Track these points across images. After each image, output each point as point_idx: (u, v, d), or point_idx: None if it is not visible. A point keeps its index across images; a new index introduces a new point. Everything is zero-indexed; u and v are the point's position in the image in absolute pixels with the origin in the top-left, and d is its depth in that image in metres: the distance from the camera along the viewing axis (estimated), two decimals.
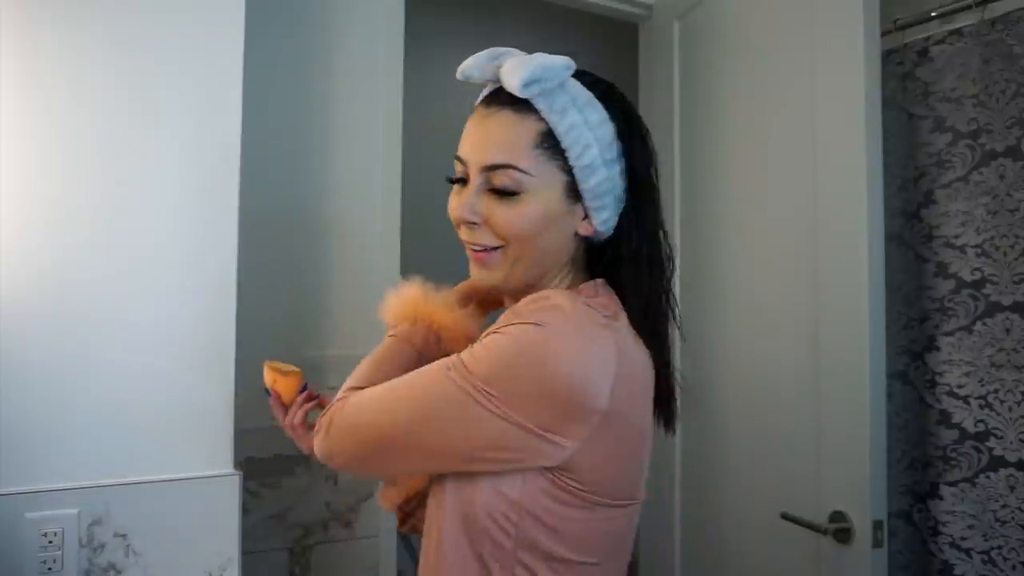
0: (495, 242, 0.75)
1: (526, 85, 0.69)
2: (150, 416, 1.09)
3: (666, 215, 1.94)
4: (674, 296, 0.83)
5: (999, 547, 1.43)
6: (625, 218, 0.78)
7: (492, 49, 0.75)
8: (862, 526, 1.24)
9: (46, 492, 1.02)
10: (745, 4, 1.61)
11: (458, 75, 0.77)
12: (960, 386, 1.52)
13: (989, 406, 1.47)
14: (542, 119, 0.72)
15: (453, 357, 0.71)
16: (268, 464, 1.47)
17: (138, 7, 1.11)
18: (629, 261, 0.78)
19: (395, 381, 0.74)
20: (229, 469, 1.14)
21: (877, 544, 1.23)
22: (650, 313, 0.78)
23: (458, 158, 0.77)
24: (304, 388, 0.98)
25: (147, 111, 1.11)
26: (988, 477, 1.46)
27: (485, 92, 0.77)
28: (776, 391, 1.47)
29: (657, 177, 0.80)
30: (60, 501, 1.03)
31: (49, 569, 1.01)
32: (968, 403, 1.50)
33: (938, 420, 1.55)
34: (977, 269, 1.50)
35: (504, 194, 0.73)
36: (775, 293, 1.49)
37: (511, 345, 0.67)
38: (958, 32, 1.55)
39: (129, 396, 1.08)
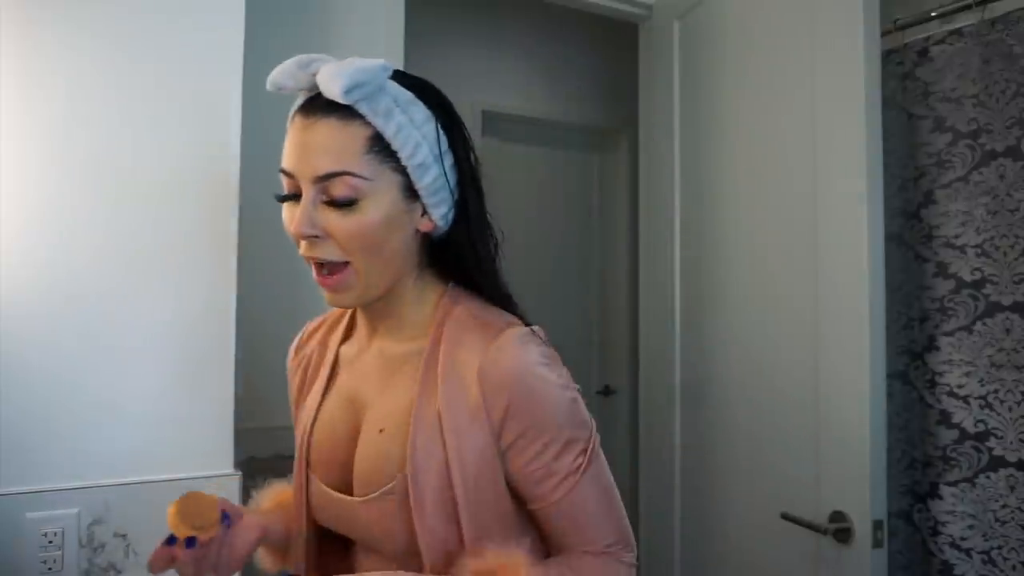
0: (339, 256, 0.74)
1: (348, 91, 0.68)
2: (150, 416, 1.09)
3: (666, 215, 1.96)
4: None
5: (999, 547, 1.43)
6: (460, 210, 0.80)
7: (300, 56, 0.73)
8: (862, 526, 1.24)
9: (46, 492, 1.02)
10: (745, 4, 1.61)
11: (268, 86, 0.75)
12: (960, 386, 1.52)
13: (989, 406, 1.47)
14: (368, 123, 0.72)
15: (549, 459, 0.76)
16: (268, 464, 1.47)
17: (138, 7, 1.11)
18: (472, 252, 0.80)
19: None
20: (229, 469, 1.14)
21: (877, 544, 1.23)
22: (513, 303, 0.83)
23: (285, 172, 0.76)
24: (224, 516, 0.77)
25: (147, 111, 1.11)
26: (988, 477, 1.46)
27: (300, 101, 0.76)
28: (776, 391, 1.47)
29: (478, 166, 0.82)
30: (60, 501, 1.03)
31: (49, 569, 1.01)
32: (968, 403, 1.50)
33: (938, 420, 1.55)
34: (977, 269, 1.50)
35: (343, 204, 0.72)
36: (775, 293, 1.49)
37: (552, 393, 0.76)
38: (958, 32, 1.55)
39: (129, 396, 1.08)
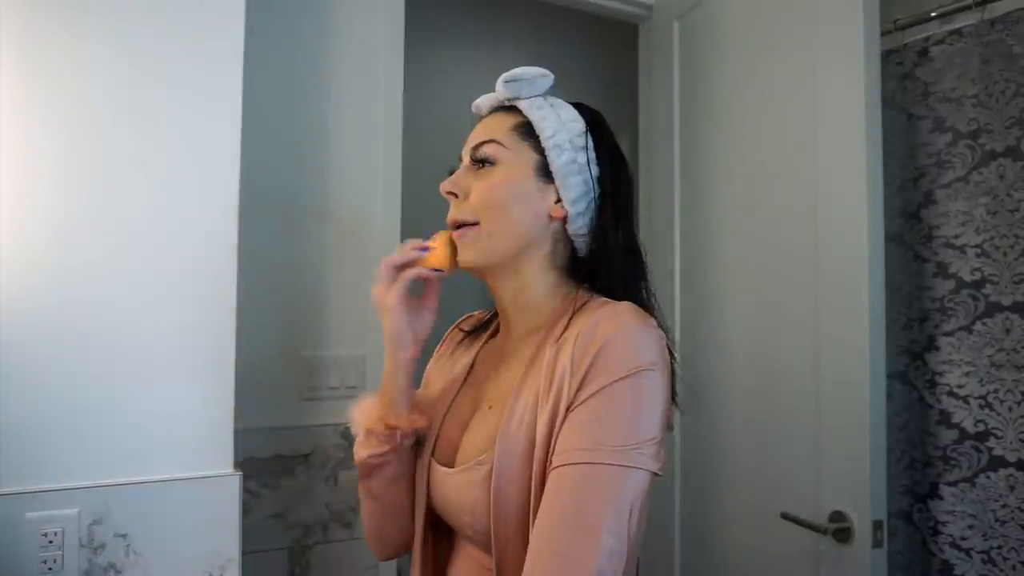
0: (472, 216, 0.81)
1: (507, 82, 0.83)
2: (150, 416, 1.09)
3: (666, 215, 1.96)
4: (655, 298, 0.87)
5: (999, 547, 1.43)
6: (604, 222, 0.82)
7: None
8: (862, 526, 1.24)
9: (46, 492, 1.02)
10: (745, 4, 1.61)
11: (473, 109, 0.91)
12: (960, 386, 1.52)
13: (989, 406, 1.47)
14: (522, 114, 0.83)
15: (599, 446, 0.68)
16: (268, 464, 1.47)
17: (138, 9, 1.11)
18: (610, 265, 0.82)
19: (569, 516, 0.67)
20: (229, 469, 1.14)
21: (877, 544, 1.23)
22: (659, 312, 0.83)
23: (460, 157, 0.87)
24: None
25: (147, 111, 1.11)
26: (988, 477, 1.46)
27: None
28: (776, 391, 1.47)
29: (629, 190, 0.85)
30: (60, 501, 1.03)
31: (49, 569, 1.01)
32: (968, 403, 1.50)
33: (938, 420, 1.55)
34: (977, 269, 1.50)
35: (483, 164, 0.82)
36: (775, 293, 1.49)
37: (639, 361, 0.71)
38: (958, 32, 1.55)
39: (129, 396, 1.08)
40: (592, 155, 0.83)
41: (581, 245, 0.84)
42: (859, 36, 1.29)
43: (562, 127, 0.82)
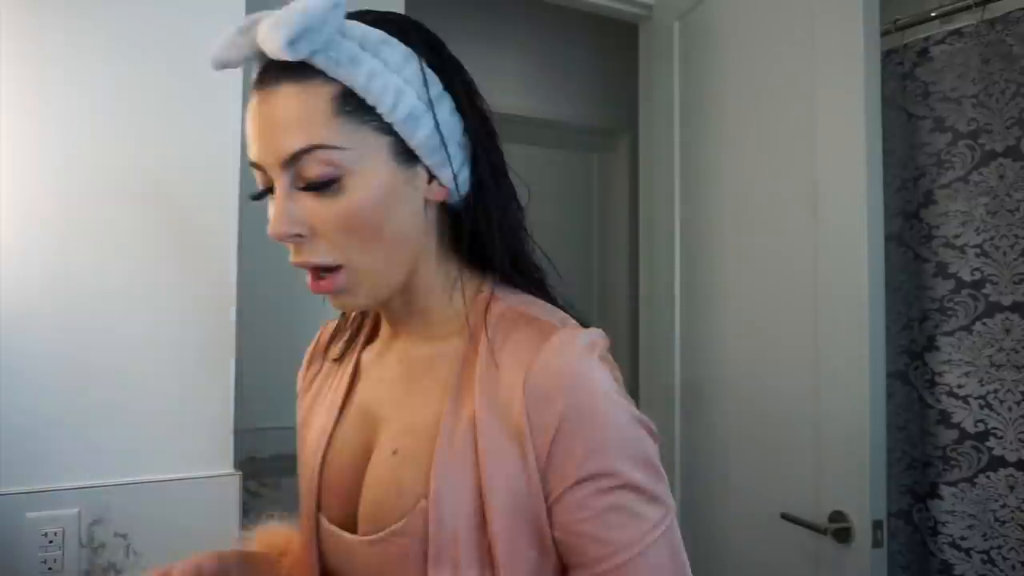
0: (333, 257, 0.59)
1: (292, 43, 0.53)
2: (150, 416, 1.09)
3: (666, 214, 1.95)
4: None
5: (999, 547, 1.43)
6: (476, 168, 0.64)
7: (243, 21, 0.60)
8: (862, 526, 1.24)
9: (46, 492, 1.02)
10: (745, 4, 1.61)
11: (213, 66, 0.61)
12: (960, 386, 1.52)
13: (989, 406, 1.47)
14: (331, 79, 0.56)
15: (607, 488, 0.57)
16: (268, 464, 1.47)
17: (138, 8, 1.11)
18: (496, 223, 0.64)
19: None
20: (229, 469, 1.14)
21: (877, 544, 1.23)
22: (547, 289, 0.69)
23: (253, 164, 0.60)
24: None
25: (147, 111, 1.11)
26: (988, 477, 1.46)
27: (254, 73, 0.60)
28: (776, 391, 1.47)
29: (488, 109, 0.66)
30: (60, 501, 1.03)
31: (49, 569, 1.01)
32: (968, 403, 1.50)
33: (938, 420, 1.55)
34: (977, 269, 1.50)
35: (321, 187, 0.57)
36: (775, 293, 1.49)
37: (620, 419, 0.60)
38: (958, 32, 1.55)
39: (129, 396, 1.08)
40: (450, 106, 0.62)
41: (463, 216, 0.65)
42: (859, 36, 1.29)
43: (403, 84, 0.58)
